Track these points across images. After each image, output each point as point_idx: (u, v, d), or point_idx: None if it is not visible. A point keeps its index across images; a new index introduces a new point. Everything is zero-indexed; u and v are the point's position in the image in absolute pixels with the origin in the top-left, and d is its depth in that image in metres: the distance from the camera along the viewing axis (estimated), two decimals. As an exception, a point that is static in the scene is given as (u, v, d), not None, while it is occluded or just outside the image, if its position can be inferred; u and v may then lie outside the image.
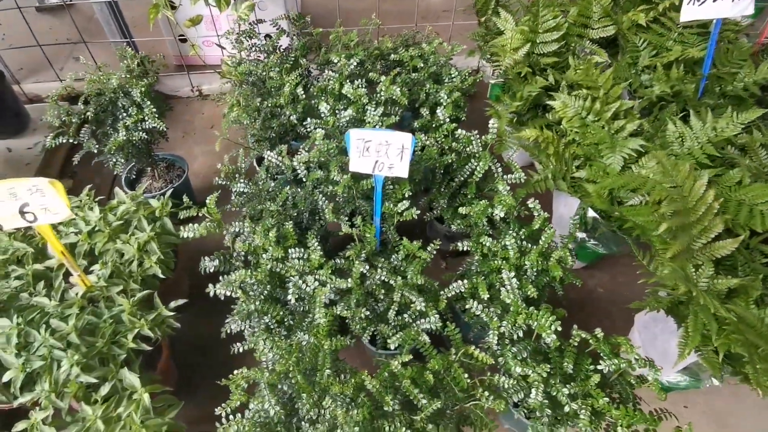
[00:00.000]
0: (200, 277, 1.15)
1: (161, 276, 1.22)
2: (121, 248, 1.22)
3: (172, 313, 1.15)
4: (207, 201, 1.07)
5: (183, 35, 2.30)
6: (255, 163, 1.75)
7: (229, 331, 1.05)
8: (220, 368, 1.46)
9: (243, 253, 1.10)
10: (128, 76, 1.36)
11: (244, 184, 1.31)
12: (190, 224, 1.04)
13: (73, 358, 1.01)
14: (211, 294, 0.99)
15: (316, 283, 0.97)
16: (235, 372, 0.90)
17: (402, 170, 1.15)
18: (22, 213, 0.98)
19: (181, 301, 1.18)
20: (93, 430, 0.94)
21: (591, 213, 1.34)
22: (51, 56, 2.26)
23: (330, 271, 1.04)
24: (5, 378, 1.00)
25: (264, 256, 1.02)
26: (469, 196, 1.34)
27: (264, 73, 1.55)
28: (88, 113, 1.35)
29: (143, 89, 1.35)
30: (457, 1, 2.24)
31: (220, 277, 1.07)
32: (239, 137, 1.84)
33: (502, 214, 1.13)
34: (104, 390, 1.02)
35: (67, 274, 1.20)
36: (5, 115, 1.83)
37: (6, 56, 2.13)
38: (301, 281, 1.03)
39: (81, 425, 0.94)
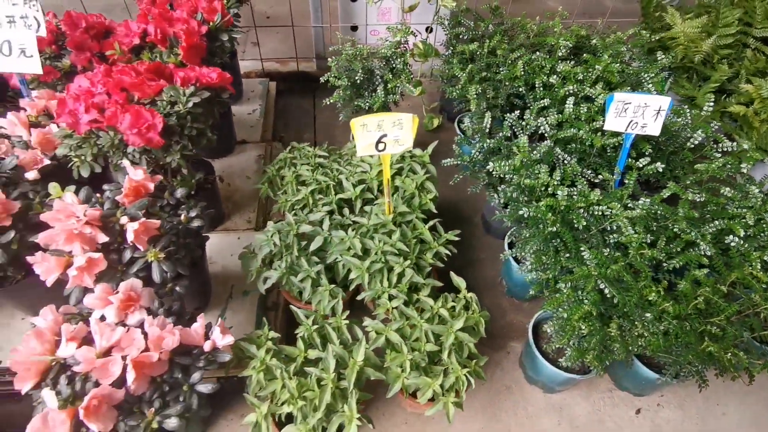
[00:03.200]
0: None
1: (434, 210, 1.45)
2: (402, 186, 1.47)
3: (455, 238, 1.38)
4: (519, 142, 1.32)
5: (354, 24, 2.58)
6: (456, 125, 2.03)
7: (519, 255, 1.27)
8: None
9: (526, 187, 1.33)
10: (393, 49, 1.62)
11: (493, 141, 1.54)
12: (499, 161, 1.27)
13: (405, 263, 1.24)
14: (527, 215, 1.22)
15: (622, 209, 1.19)
16: (574, 272, 1.12)
17: (655, 129, 1.36)
18: (377, 143, 1.23)
19: (457, 231, 1.41)
20: (436, 317, 1.17)
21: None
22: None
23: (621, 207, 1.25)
24: (353, 275, 1.24)
25: (560, 192, 1.25)
26: (686, 160, 1.54)
27: (481, 52, 1.80)
28: (357, 78, 1.61)
29: (404, 60, 1.61)
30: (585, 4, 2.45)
31: (496, 211, 1.30)
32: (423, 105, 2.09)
33: (749, 166, 1.33)
34: (425, 292, 1.25)
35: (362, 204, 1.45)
36: (233, 82, 2.11)
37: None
38: (585, 212, 1.25)
39: (429, 312, 1.17)
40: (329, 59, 1.67)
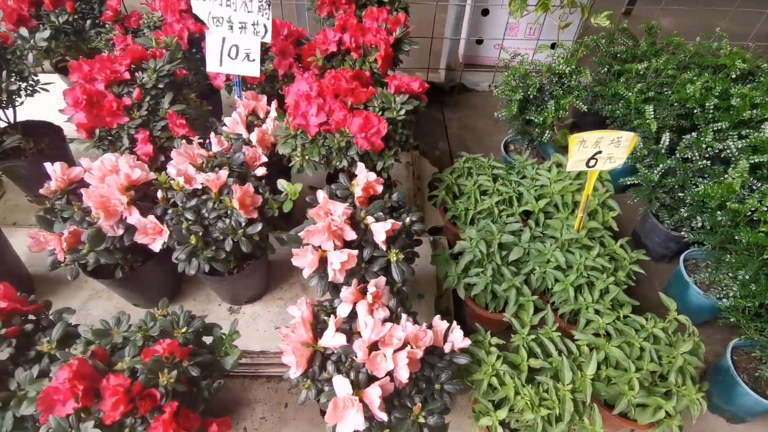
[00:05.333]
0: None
1: (616, 228, 1.45)
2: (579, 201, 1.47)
3: (645, 258, 1.37)
4: (738, 166, 1.30)
5: (480, 38, 2.62)
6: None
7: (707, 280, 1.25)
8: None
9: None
10: (572, 66, 1.63)
11: (672, 161, 1.53)
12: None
13: (608, 279, 1.24)
14: (744, 241, 1.19)
15: None
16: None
17: None
18: (589, 159, 1.24)
19: (642, 250, 1.40)
20: (651, 337, 1.16)
21: None
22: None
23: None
24: (556, 288, 1.25)
25: None
26: None
27: (646, 72, 1.79)
28: (530, 93, 1.63)
29: (579, 77, 1.62)
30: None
31: (685, 233, 1.27)
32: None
33: None
34: (626, 310, 1.25)
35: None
36: (376, 91, 2.18)
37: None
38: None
39: (644, 332, 1.16)
40: (505, 73, 1.70)
